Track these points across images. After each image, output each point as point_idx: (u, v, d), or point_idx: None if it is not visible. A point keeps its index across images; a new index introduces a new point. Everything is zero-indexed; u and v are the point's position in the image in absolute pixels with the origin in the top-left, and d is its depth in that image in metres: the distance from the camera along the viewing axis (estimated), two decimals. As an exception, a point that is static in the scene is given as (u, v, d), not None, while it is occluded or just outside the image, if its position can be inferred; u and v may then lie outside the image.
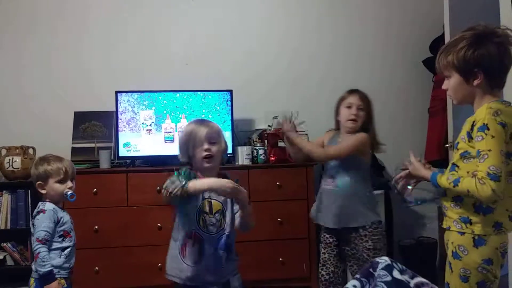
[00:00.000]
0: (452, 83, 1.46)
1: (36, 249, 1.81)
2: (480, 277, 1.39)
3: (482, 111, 1.37)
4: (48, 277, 1.80)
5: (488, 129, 1.33)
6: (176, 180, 1.59)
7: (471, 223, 1.41)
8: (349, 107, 2.15)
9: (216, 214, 1.70)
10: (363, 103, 2.15)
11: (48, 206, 1.89)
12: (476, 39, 1.39)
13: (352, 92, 2.20)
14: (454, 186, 1.40)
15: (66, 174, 1.91)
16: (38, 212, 1.88)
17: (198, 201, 1.68)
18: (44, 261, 1.79)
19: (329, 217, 2.13)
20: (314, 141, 2.34)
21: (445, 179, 1.44)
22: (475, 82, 1.41)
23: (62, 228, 1.89)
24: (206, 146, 1.69)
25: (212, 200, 1.70)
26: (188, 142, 1.72)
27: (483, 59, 1.38)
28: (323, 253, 2.21)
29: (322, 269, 2.20)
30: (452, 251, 1.44)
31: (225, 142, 1.80)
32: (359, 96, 2.16)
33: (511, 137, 1.36)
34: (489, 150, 1.32)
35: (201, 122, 1.80)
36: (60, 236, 1.88)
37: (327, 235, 2.19)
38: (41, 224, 1.84)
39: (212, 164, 1.71)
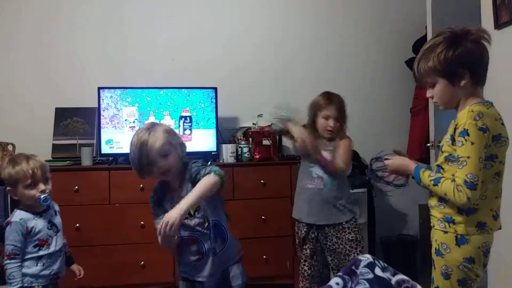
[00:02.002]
0: (438, 89, 1.44)
1: (4, 265, 1.72)
2: (461, 275, 1.41)
3: (464, 115, 1.36)
4: None
5: (468, 135, 1.33)
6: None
7: (454, 223, 1.42)
8: (326, 119, 2.19)
9: (196, 213, 1.67)
10: (340, 114, 2.20)
11: (16, 217, 1.76)
12: (452, 40, 1.39)
13: (330, 101, 2.21)
14: (433, 185, 1.42)
15: (35, 178, 1.75)
16: (7, 224, 1.77)
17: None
18: (10, 279, 1.70)
19: (317, 214, 2.19)
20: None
21: (427, 175, 1.46)
22: (462, 83, 1.40)
23: (36, 237, 1.77)
24: (159, 164, 1.58)
25: None
26: (141, 163, 1.59)
27: (465, 57, 1.38)
28: (304, 248, 2.24)
29: (304, 265, 2.24)
30: (435, 249, 1.46)
31: (180, 144, 1.68)
32: (335, 107, 2.19)
33: (493, 139, 1.36)
34: (468, 157, 1.33)
35: (148, 133, 1.60)
36: (35, 246, 1.76)
37: (309, 231, 2.23)
38: (8, 237, 1.73)
39: (170, 176, 1.65)
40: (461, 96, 1.43)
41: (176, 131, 2.89)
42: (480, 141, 1.33)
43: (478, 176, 1.33)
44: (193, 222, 1.66)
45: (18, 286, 1.71)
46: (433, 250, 1.49)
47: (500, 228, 1.46)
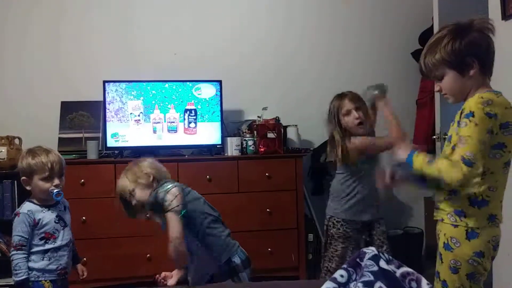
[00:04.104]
0: (446, 81, 1.43)
1: (11, 256, 1.74)
2: (470, 269, 1.40)
3: (473, 100, 1.35)
4: (23, 286, 1.71)
5: (473, 116, 1.31)
6: None
7: (465, 216, 1.40)
8: (347, 114, 2.15)
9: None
10: (357, 103, 2.16)
11: (24, 208, 1.78)
12: (457, 31, 1.40)
13: (341, 97, 2.19)
14: (428, 162, 1.38)
15: (52, 171, 1.77)
16: (15, 215, 1.79)
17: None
18: (16, 270, 1.71)
19: (368, 210, 2.21)
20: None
21: (421, 156, 1.41)
22: (472, 72, 1.39)
23: (42, 230, 1.77)
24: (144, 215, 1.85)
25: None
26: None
27: (472, 47, 1.38)
28: (342, 247, 2.20)
29: (341, 263, 2.17)
30: (444, 243, 1.44)
31: (145, 175, 1.84)
32: (349, 99, 2.16)
33: (501, 127, 1.34)
34: (469, 136, 1.31)
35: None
36: (41, 239, 1.77)
37: (348, 230, 2.20)
38: (16, 228, 1.75)
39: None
40: (471, 87, 1.41)
41: (181, 124, 2.94)
42: (484, 124, 1.31)
43: (477, 156, 1.30)
44: None
45: (23, 277, 1.71)
46: (440, 244, 1.46)
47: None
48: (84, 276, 1.98)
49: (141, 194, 1.78)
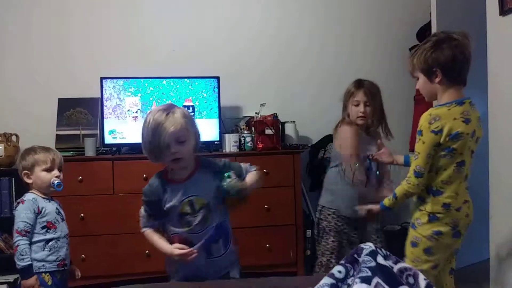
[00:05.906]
0: (419, 82, 1.72)
1: (15, 242, 1.77)
2: (427, 244, 1.68)
3: (424, 116, 1.63)
4: (27, 272, 1.75)
5: (422, 135, 1.63)
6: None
7: (425, 202, 1.71)
8: (356, 105, 2.20)
9: (201, 211, 1.54)
10: (369, 99, 2.20)
11: (28, 196, 1.86)
12: (436, 43, 1.64)
13: (358, 87, 2.22)
14: (395, 199, 1.74)
15: (53, 163, 1.88)
16: (18, 203, 1.85)
17: (177, 204, 1.54)
18: (22, 255, 1.75)
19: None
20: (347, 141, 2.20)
21: (387, 199, 1.79)
22: (436, 80, 1.65)
23: (44, 219, 1.84)
24: (173, 149, 1.48)
25: (193, 198, 1.54)
26: (153, 146, 1.49)
27: (438, 59, 1.62)
28: (333, 241, 2.22)
29: (331, 257, 2.21)
30: (412, 223, 1.75)
31: (196, 133, 1.57)
32: (364, 92, 2.20)
33: (450, 136, 1.58)
34: (419, 153, 1.65)
35: (165, 115, 1.49)
36: (42, 228, 1.83)
37: (339, 223, 2.21)
38: (20, 215, 1.80)
39: (182, 165, 1.54)
40: (438, 91, 1.67)
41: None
42: (430, 140, 1.61)
43: (425, 168, 1.64)
44: (195, 220, 1.54)
45: (29, 263, 1.76)
46: (410, 226, 1.76)
47: (465, 202, 1.68)
48: (79, 277, 2.00)
49: (189, 147, 1.57)
